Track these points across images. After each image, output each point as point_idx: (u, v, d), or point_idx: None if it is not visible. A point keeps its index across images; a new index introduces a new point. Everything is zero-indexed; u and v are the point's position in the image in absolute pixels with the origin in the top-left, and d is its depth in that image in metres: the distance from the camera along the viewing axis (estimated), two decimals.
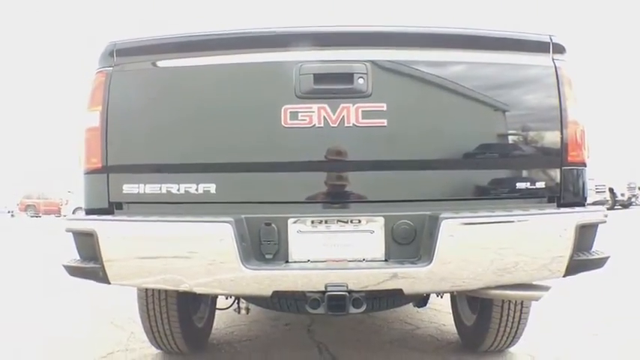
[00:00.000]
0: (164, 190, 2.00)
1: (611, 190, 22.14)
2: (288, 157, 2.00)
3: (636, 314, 3.79)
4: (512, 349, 2.88)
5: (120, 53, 2.07)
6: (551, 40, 2.08)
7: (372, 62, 1.95)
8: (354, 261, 1.93)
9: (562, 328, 3.36)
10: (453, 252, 1.83)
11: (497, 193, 2.04)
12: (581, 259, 1.92)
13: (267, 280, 1.85)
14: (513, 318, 2.53)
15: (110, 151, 2.02)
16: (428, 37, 2.08)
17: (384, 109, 1.92)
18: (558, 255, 1.88)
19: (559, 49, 2.08)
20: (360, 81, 1.92)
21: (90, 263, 1.91)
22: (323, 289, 1.80)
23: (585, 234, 1.93)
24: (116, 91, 2.04)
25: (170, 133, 2.07)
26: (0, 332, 3.60)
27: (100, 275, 1.89)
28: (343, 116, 1.91)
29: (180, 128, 2.06)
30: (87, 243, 1.91)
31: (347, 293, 1.80)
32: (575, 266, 1.91)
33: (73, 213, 25.67)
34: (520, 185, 2.03)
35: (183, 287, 1.91)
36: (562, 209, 2.00)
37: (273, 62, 2.00)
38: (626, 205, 22.85)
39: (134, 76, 2.10)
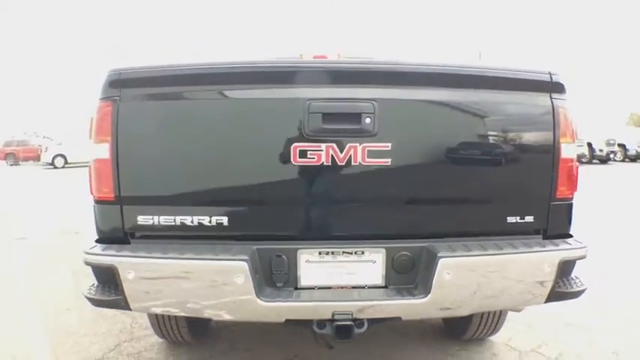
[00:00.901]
0: (178, 222, 2.05)
1: (589, 144, 22.58)
2: (298, 193, 2.08)
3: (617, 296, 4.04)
4: (492, 338, 3.15)
5: (126, 83, 2.05)
6: (551, 79, 2.14)
7: (379, 101, 1.99)
8: (357, 287, 2.08)
9: (540, 317, 3.51)
10: (448, 287, 1.97)
11: (489, 227, 2.16)
12: (561, 290, 2.11)
13: (280, 310, 1.98)
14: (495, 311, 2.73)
15: (123, 183, 2.04)
16: (431, 76, 2.11)
17: (389, 148, 1.99)
18: (542, 286, 2.07)
19: (558, 88, 2.14)
20: (367, 120, 1.98)
21: (112, 295, 1.99)
22: (330, 317, 1.96)
23: (566, 267, 2.11)
24: (125, 122, 2.02)
25: (182, 165, 2.08)
26: None
27: (121, 304, 1.99)
28: (350, 155, 1.98)
29: (192, 161, 2.07)
30: (107, 276, 1.99)
31: (352, 322, 1.95)
32: (555, 296, 2.10)
33: (53, 160, 25.52)
34: (510, 219, 2.14)
35: (203, 315, 2.06)
36: (548, 245, 2.13)
37: (283, 99, 2.03)
38: (604, 160, 23.41)
39: (143, 106, 2.07)
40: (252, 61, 2.18)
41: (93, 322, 3.46)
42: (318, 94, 2.00)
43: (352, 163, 1.98)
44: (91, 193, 2.15)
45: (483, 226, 2.16)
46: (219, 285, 1.93)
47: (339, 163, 1.98)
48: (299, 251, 2.05)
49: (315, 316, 2.00)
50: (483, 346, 3.13)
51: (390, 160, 2.00)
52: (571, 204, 2.22)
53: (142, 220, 2.06)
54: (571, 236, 2.22)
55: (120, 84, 2.04)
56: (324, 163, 1.98)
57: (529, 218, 2.15)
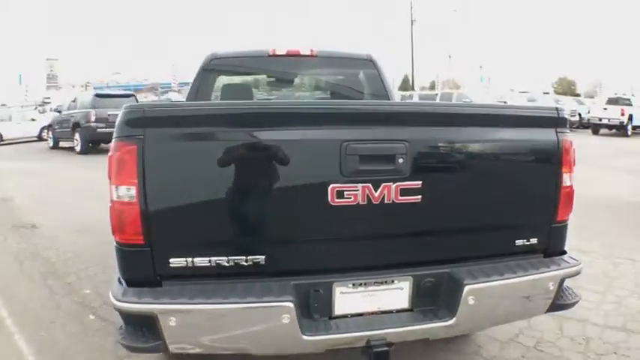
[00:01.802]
0: (214, 263, 1.98)
1: None
2: (334, 232, 2.09)
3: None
4: None
5: (151, 122, 1.94)
6: (558, 114, 2.31)
7: (410, 141, 2.05)
8: (386, 312, 2.16)
9: None
10: (472, 309, 2.12)
11: (500, 250, 2.32)
12: (560, 303, 2.35)
13: (322, 342, 2.03)
14: None
15: (153, 226, 1.94)
16: (456, 116, 2.23)
17: (420, 186, 2.06)
18: (546, 300, 2.31)
19: (562, 122, 2.31)
20: (400, 160, 2.03)
21: (150, 342, 1.92)
22: (366, 343, 2.04)
23: (563, 282, 2.36)
24: (153, 162, 1.91)
25: (217, 206, 2.01)
26: None
27: (160, 349, 1.94)
28: (384, 194, 2.02)
29: (227, 201, 2.02)
30: (144, 321, 1.92)
31: (388, 347, 2.04)
32: (554, 307, 2.35)
33: (40, 133, 23.33)
34: (518, 242, 2.31)
35: (245, 352, 2.06)
36: (552, 265, 2.31)
37: (318, 140, 2.02)
38: None
39: (171, 146, 1.96)
40: (288, 102, 2.15)
41: (82, 335, 3.31)
42: (353, 135, 2.02)
43: (385, 202, 2.03)
44: (114, 236, 2.04)
45: (495, 250, 2.31)
46: (265, 326, 1.93)
47: (374, 202, 2.02)
48: (334, 284, 2.08)
49: (355, 345, 2.05)
50: (468, 339, 3.30)
51: (420, 196, 2.07)
52: (567, 224, 2.41)
53: (175, 262, 1.98)
54: (565, 252, 2.42)
55: (144, 122, 1.93)
56: (360, 203, 2.00)
57: (533, 240, 2.33)
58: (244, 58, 4.35)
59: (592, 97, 42.37)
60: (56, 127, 17.77)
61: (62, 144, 17.72)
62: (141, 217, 1.92)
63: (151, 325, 1.89)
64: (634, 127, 22.63)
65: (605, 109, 22.85)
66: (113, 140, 1.98)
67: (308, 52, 4.17)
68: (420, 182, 2.06)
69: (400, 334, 2.08)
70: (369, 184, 2.00)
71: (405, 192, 2.04)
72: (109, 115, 15.42)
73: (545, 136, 2.27)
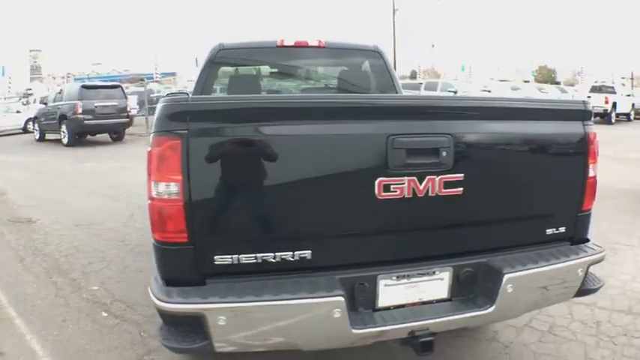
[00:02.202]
0: (260, 260, 1.93)
1: None
2: (379, 225, 2.08)
3: None
4: None
5: (195, 115, 1.85)
6: (585, 107, 2.38)
7: (453, 135, 2.06)
8: (427, 303, 2.18)
9: None
10: (510, 297, 2.15)
11: (533, 239, 2.36)
12: (586, 288, 2.41)
13: (370, 335, 2.01)
14: None
15: (197, 224, 1.88)
16: (496, 109, 2.27)
17: (461, 178, 2.07)
18: (574, 286, 2.37)
19: (587, 115, 2.38)
20: (444, 154, 2.03)
21: (197, 342, 1.85)
22: (410, 334, 2.05)
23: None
24: (198, 157, 1.84)
25: (263, 201, 1.97)
26: None
27: (207, 349, 1.88)
28: (428, 187, 2.03)
29: (274, 197, 1.97)
30: (189, 322, 1.85)
31: (433, 336, 2.06)
32: (581, 292, 2.42)
33: (25, 125, 22.53)
34: (549, 231, 2.37)
35: (294, 348, 2.02)
36: (580, 252, 2.37)
37: (365, 134, 2.00)
38: None
39: (217, 141, 1.88)
40: (335, 96, 2.10)
41: (97, 334, 3.22)
42: (398, 129, 2.00)
43: (429, 194, 2.03)
44: (153, 234, 1.95)
45: (527, 239, 2.35)
46: (316, 321, 1.90)
47: (419, 195, 2.02)
48: (379, 277, 2.08)
49: (400, 336, 2.06)
50: (484, 326, 3.29)
51: (461, 189, 2.08)
52: (591, 213, 2.48)
53: (220, 260, 1.91)
54: (589, 240, 2.48)
55: (187, 116, 1.84)
56: (405, 196, 2.00)
57: (562, 229, 2.39)
58: (252, 49, 4.27)
59: (572, 84, 42.82)
60: (42, 119, 17.37)
61: (48, 136, 17.36)
62: (185, 215, 1.85)
63: (198, 325, 1.83)
64: (617, 115, 22.95)
65: (588, 97, 23.12)
66: (153, 135, 1.90)
67: (316, 43, 4.12)
68: (462, 175, 2.07)
69: (443, 323, 2.10)
70: (415, 178, 2.00)
71: (447, 185, 2.05)
72: (95, 106, 15.20)
73: (573, 128, 2.33)
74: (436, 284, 2.17)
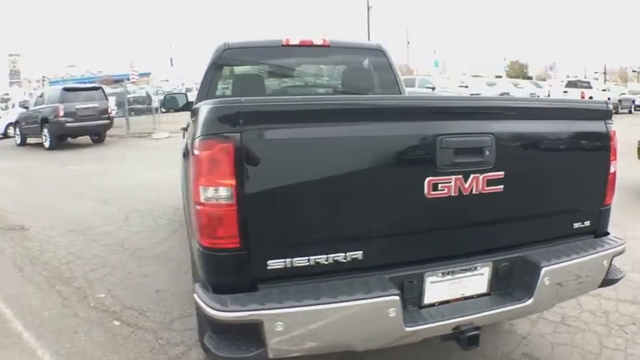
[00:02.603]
0: (312, 262, 1.90)
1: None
2: (428, 224, 2.10)
3: None
4: None
5: (249, 117, 1.79)
6: (607, 107, 2.47)
7: (495, 134, 2.10)
8: (468, 298, 2.20)
9: None
10: (547, 290, 2.20)
11: (561, 233, 2.43)
12: (610, 278, 2.48)
13: (421, 332, 2.01)
14: None
15: (251, 229, 1.82)
16: (533, 109, 2.38)
17: (502, 176, 2.11)
18: (600, 277, 2.43)
19: (609, 115, 2.46)
20: (487, 153, 2.07)
21: (252, 351, 1.79)
22: (454, 330, 2.07)
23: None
24: (251, 161, 1.79)
25: (317, 203, 1.92)
26: None
27: (262, 357, 1.82)
28: (472, 186, 2.06)
29: (327, 198, 1.93)
30: (243, 329, 1.79)
31: (478, 330, 2.08)
32: (605, 282, 2.48)
33: (5, 130, 21.65)
34: (576, 225, 2.44)
35: (348, 349, 2.01)
36: (605, 245, 2.43)
37: (415, 135, 2.01)
38: None
39: (270, 143, 1.84)
40: (386, 97, 2.29)
41: (112, 344, 3.09)
42: (447, 129, 2.03)
43: (473, 192, 2.06)
44: (201, 240, 1.88)
45: (557, 233, 2.41)
46: (372, 321, 1.88)
47: (464, 193, 2.05)
48: (425, 274, 2.08)
49: (445, 331, 2.07)
50: None
51: (502, 186, 2.12)
52: (611, 207, 2.56)
53: (273, 264, 1.86)
54: (609, 233, 2.56)
55: (241, 118, 1.78)
56: (452, 195, 2.03)
57: (587, 223, 2.46)
58: (258, 48, 4.21)
59: (544, 79, 43.54)
60: (23, 123, 16.86)
61: (30, 140, 16.88)
62: (238, 219, 1.79)
63: (252, 333, 1.77)
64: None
65: (565, 92, 23.50)
66: (200, 138, 1.82)
67: (321, 42, 4.10)
68: (502, 173, 2.10)
69: (486, 317, 2.13)
70: (461, 176, 2.03)
71: (490, 182, 2.09)
72: (77, 108, 14.86)
73: (598, 127, 2.41)
74: (477, 279, 2.20)
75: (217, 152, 1.78)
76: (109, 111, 16.17)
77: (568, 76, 27.53)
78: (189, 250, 3.03)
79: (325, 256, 1.91)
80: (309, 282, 1.89)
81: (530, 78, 49.37)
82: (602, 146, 2.42)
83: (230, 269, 1.87)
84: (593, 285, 2.47)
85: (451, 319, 2.04)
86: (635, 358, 3.02)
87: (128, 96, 20.67)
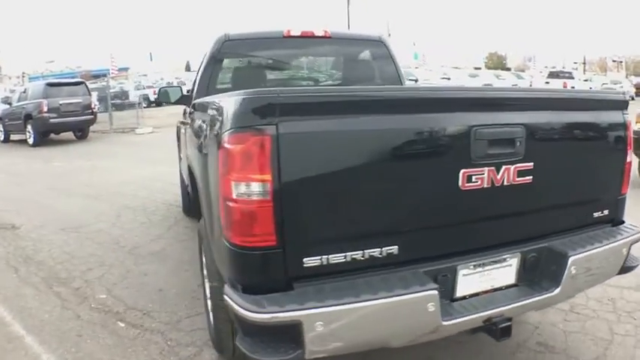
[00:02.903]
0: (348, 259, 1.82)
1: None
2: (461, 216, 2.05)
3: None
4: None
5: (285, 108, 1.69)
6: (624, 97, 2.49)
7: (525, 125, 2.07)
8: (497, 290, 2.17)
9: None
10: (573, 279, 2.19)
11: (583, 222, 2.42)
12: (628, 265, 2.47)
13: (457, 326, 1.97)
14: None
15: (287, 225, 1.72)
16: (562, 100, 2.36)
17: (532, 167, 2.09)
18: (619, 264, 2.42)
19: (626, 105, 2.48)
20: (518, 144, 2.05)
21: (290, 353, 1.69)
22: (485, 322, 2.04)
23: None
24: (287, 154, 1.69)
25: (354, 197, 1.84)
26: None
27: (299, 358, 1.73)
28: (504, 177, 2.03)
29: (364, 192, 1.85)
30: (280, 330, 1.69)
31: (510, 321, 2.06)
32: (623, 270, 2.47)
33: None
34: (596, 214, 2.44)
35: (385, 346, 1.94)
36: (624, 233, 2.42)
37: (452, 126, 1.96)
38: None
39: (307, 136, 1.74)
40: (421, 87, 2.08)
41: (120, 347, 2.95)
42: (480, 120, 1.99)
43: (505, 184, 2.04)
44: (232, 238, 1.77)
45: (579, 223, 2.40)
46: (411, 316, 1.83)
47: (496, 185, 2.02)
48: (458, 267, 2.05)
49: (478, 324, 2.03)
50: None
51: (531, 177, 2.10)
52: (626, 197, 2.56)
53: (309, 262, 1.77)
54: (624, 222, 2.56)
55: (277, 110, 1.68)
56: (484, 186, 2.00)
57: (606, 212, 2.46)
58: (258, 39, 4.08)
59: (523, 70, 43.88)
60: (6, 120, 16.36)
61: (13, 137, 16.43)
62: (274, 216, 1.70)
63: (289, 333, 1.68)
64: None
65: (547, 82, 23.65)
66: (231, 131, 1.72)
67: (322, 34, 4.00)
68: (532, 164, 2.08)
69: (516, 309, 2.09)
70: (493, 168, 2.00)
71: (520, 173, 2.07)
72: (60, 104, 14.48)
73: (616, 118, 2.41)
74: (506, 271, 2.16)
75: (252, 146, 1.67)
76: (93, 106, 15.76)
77: (546, 67, 27.80)
78: (199, 247, 2.91)
79: (361, 252, 1.84)
80: (345, 279, 1.81)
81: (508, 69, 49.72)
82: (620, 136, 2.42)
83: (265, 268, 1.77)
84: (612, 273, 2.46)
85: (484, 311, 2.00)
86: None
87: (111, 91, 20.21)
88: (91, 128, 16.65)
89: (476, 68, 40.19)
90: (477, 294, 2.11)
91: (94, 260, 4.51)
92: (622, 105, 2.44)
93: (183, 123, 4.36)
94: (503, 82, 26.69)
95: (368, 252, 1.85)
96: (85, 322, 3.29)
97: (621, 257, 2.38)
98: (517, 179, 2.06)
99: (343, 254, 1.81)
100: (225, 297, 1.78)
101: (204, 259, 2.72)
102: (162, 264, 4.39)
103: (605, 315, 3.28)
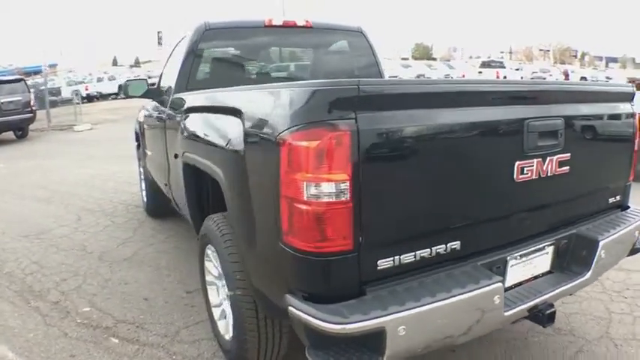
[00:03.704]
0: (418, 257, 1.73)
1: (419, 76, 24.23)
2: (513, 208, 2.05)
3: None
4: None
5: (364, 102, 1.54)
6: (632, 89, 2.55)
7: (564, 117, 2.09)
8: (535, 278, 2.16)
9: None
10: (602, 262, 2.22)
11: (599, 208, 2.47)
12: (636, 247, 2.52)
13: (514, 316, 1.92)
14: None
15: (365, 228, 1.58)
16: (592, 93, 2.42)
17: (569, 157, 2.12)
18: (630, 246, 2.47)
19: (633, 96, 2.53)
20: (560, 135, 2.07)
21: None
22: (532, 310, 2.00)
23: None
24: (367, 151, 1.55)
25: (428, 195, 1.76)
26: None
27: None
28: (548, 168, 2.05)
29: (435, 189, 1.77)
30: (363, 340, 1.55)
31: (553, 308, 2.05)
32: (632, 251, 2.52)
33: None
34: (610, 200, 2.51)
35: (454, 343, 1.86)
36: (635, 217, 2.49)
37: (510, 120, 1.93)
38: None
39: (387, 131, 1.60)
40: (489, 80, 2.26)
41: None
42: (532, 113, 1.98)
43: (548, 174, 2.05)
44: (298, 244, 1.58)
45: (597, 208, 2.45)
46: (481, 310, 1.76)
47: (542, 176, 2.03)
48: (508, 257, 2.02)
49: (526, 313, 2.00)
50: None
51: (568, 167, 2.12)
52: (631, 183, 2.63)
53: (382, 264, 1.66)
54: (630, 207, 2.63)
55: (356, 103, 1.53)
56: (533, 177, 2.00)
57: (618, 197, 2.54)
58: (240, 29, 3.82)
59: (448, 60, 45.19)
60: None
61: None
62: (352, 218, 1.55)
63: (368, 341, 1.55)
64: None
65: (480, 72, 24.29)
66: (300, 127, 1.54)
67: (304, 23, 3.83)
68: (569, 154, 2.10)
69: (557, 294, 2.09)
70: (540, 159, 2.01)
71: (560, 164, 2.09)
72: (1, 102, 13.26)
73: (627, 109, 2.47)
74: (544, 258, 2.17)
75: (329, 142, 1.50)
76: (32, 104, 14.52)
77: (471, 57, 28.71)
78: (201, 253, 2.63)
79: (429, 249, 1.76)
80: (412, 278, 1.72)
81: (434, 59, 51.02)
82: (630, 125, 2.48)
83: (338, 275, 1.61)
84: (624, 254, 2.49)
85: (534, 299, 1.98)
86: None
87: (41, 88, 18.74)
88: (30, 127, 15.40)
89: (403, 59, 40.96)
90: (520, 283, 2.08)
91: (66, 269, 4.08)
92: (630, 97, 2.51)
93: (156, 119, 3.99)
94: (435, 72, 27.32)
95: (435, 249, 1.77)
96: (75, 339, 2.92)
97: (633, 239, 2.44)
98: (558, 169, 2.08)
99: (413, 253, 1.72)
100: (292, 309, 1.60)
101: (218, 268, 2.47)
102: (139, 270, 4.03)
103: (597, 296, 3.34)
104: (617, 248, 2.35)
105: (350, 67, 4.12)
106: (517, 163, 1.92)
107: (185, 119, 2.93)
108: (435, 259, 1.79)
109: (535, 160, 1.99)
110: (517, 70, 27.36)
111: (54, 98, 20.52)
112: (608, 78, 38.85)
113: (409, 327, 1.55)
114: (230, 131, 2.12)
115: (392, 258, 1.67)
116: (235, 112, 2.09)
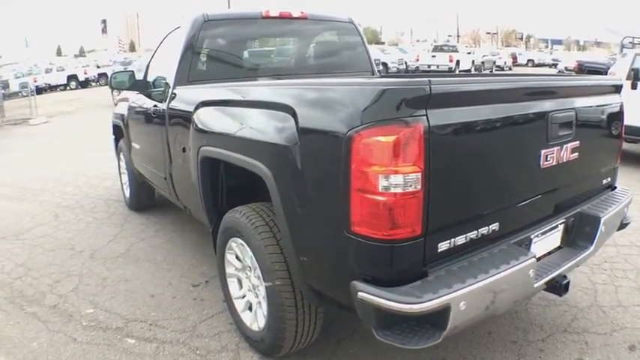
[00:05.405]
0: (467, 239, 1.88)
1: (384, 64, 23.90)
2: (540, 191, 2.22)
3: None
4: None
5: (436, 100, 1.64)
6: (621, 82, 2.79)
7: (575, 109, 2.27)
8: (550, 253, 2.34)
9: None
10: (602, 237, 2.42)
11: (595, 189, 2.67)
12: (624, 222, 2.75)
13: (539, 288, 2.13)
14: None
15: (432, 215, 1.70)
16: (594, 87, 2.60)
17: (578, 145, 2.29)
18: (619, 221, 2.67)
19: (621, 88, 2.74)
20: (572, 125, 2.25)
21: (435, 338, 1.67)
22: (550, 282, 2.17)
23: None
24: (436, 145, 1.65)
25: (481, 182, 1.92)
26: None
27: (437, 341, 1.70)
28: (564, 155, 2.23)
29: (488, 177, 1.95)
30: (427, 317, 1.66)
31: (568, 279, 2.27)
32: (621, 226, 2.73)
33: None
34: (604, 181, 2.72)
35: (494, 314, 1.98)
36: (626, 195, 2.73)
37: (541, 112, 2.09)
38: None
39: (453, 126, 1.74)
40: (527, 77, 2.40)
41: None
42: (553, 106, 2.16)
43: (564, 160, 2.23)
44: (369, 233, 1.66)
45: (594, 189, 2.65)
46: (520, 283, 1.94)
47: (559, 162, 2.21)
48: (532, 236, 2.19)
49: (545, 285, 2.16)
50: None
51: (577, 154, 2.30)
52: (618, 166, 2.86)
53: (442, 246, 1.79)
54: (617, 187, 2.85)
55: (428, 101, 1.63)
56: (553, 163, 2.17)
57: (609, 179, 2.76)
58: (238, 19, 3.73)
59: (396, 44, 45.50)
60: None
61: None
62: (422, 207, 1.67)
63: (432, 318, 1.67)
64: (460, 72, 24.84)
65: (433, 56, 24.34)
66: (374, 123, 1.62)
67: (299, 14, 3.78)
68: (578, 142, 2.28)
69: (570, 267, 2.27)
70: (559, 147, 2.18)
71: (572, 151, 2.27)
72: None
73: (618, 99, 2.69)
74: (556, 235, 2.36)
75: (404, 137, 1.59)
76: None
77: (418, 40, 29.05)
78: (223, 244, 2.56)
79: (476, 231, 1.90)
80: (462, 259, 1.85)
81: (383, 43, 51.28)
82: (619, 113, 2.69)
83: (407, 259, 1.71)
84: (615, 229, 2.69)
85: (554, 271, 2.15)
86: (623, 288, 3.26)
87: None
88: None
89: None
90: (539, 258, 2.18)
91: (57, 270, 3.86)
92: (620, 88, 2.73)
93: (151, 112, 3.80)
94: (388, 56, 27.39)
95: (481, 231, 1.92)
96: (86, 344, 2.77)
97: (622, 215, 2.67)
98: (570, 156, 2.26)
99: (465, 235, 1.86)
100: (363, 294, 1.68)
101: (244, 260, 2.49)
102: (137, 267, 3.88)
103: (580, 269, 3.50)
104: (613, 223, 2.56)
105: (341, 57, 4.15)
106: (543, 152, 2.11)
107: (199, 113, 2.80)
108: (479, 240, 1.92)
109: (555, 149, 2.17)
110: (469, 53, 27.81)
111: (3, 92, 19.20)
112: (555, 60, 40.28)
113: (468, 302, 1.68)
114: (277, 126, 2.08)
115: (449, 240, 1.80)
116: (283, 107, 2.06)
